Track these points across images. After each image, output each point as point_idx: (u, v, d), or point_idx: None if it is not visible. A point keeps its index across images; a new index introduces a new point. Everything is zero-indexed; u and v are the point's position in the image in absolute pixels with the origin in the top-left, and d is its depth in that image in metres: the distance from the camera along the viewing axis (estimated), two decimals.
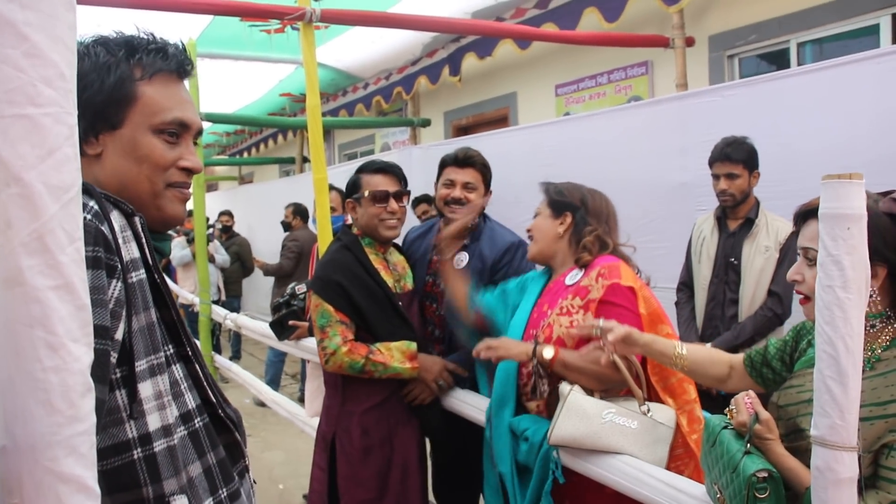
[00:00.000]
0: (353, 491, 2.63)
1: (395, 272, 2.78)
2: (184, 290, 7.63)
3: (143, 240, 1.12)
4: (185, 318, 7.95)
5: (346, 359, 2.55)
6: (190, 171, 1.26)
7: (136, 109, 1.18)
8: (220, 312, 5.58)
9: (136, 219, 1.12)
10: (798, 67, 4.23)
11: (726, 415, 1.58)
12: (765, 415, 1.49)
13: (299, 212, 7.40)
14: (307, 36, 3.40)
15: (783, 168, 3.47)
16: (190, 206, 7.21)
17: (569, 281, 2.23)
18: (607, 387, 2.07)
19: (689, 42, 5.09)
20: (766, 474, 1.42)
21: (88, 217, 1.01)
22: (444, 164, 2.95)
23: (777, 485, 1.42)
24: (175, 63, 1.23)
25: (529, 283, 2.47)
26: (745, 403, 1.52)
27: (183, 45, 1.27)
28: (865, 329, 1.49)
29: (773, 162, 3.43)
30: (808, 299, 1.61)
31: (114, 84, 1.16)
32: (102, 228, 1.02)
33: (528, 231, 2.41)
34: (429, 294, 2.91)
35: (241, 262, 8.90)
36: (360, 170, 2.80)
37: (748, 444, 1.48)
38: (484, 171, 2.89)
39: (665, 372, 2.14)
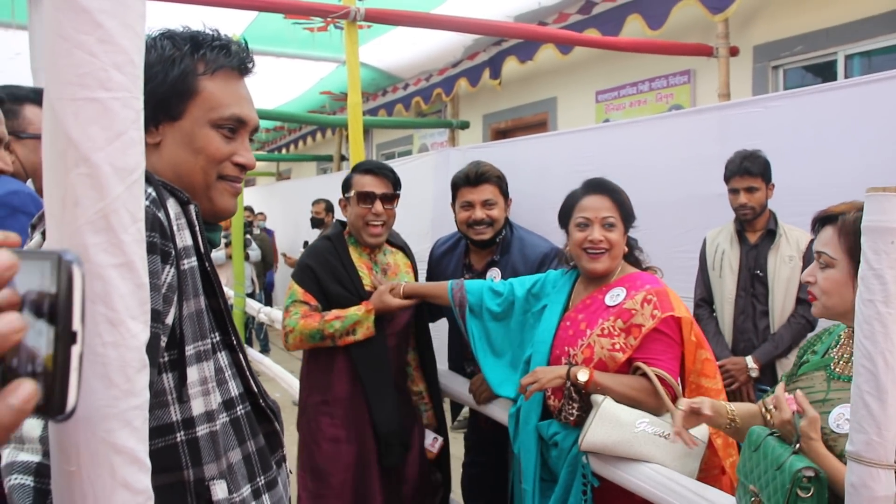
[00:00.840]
0: (305, 482, 2.65)
1: (378, 274, 2.72)
2: None
3: (197, 228, 1.15)
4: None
5: (305, 330, 2.53)
6: (243, 167, 1.29)
7: (196, 103, 1.22)
8: (254, 306, 5.66)
9: (191, 207, 1.15)
10: (845, 80, 4.16)
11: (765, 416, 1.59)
12: (812, 413, 1.48)
13: (331, 208, 7.44)
14: (351, 34, 3.44)
15: (827, 182, 3.42)
16: None
17: (609, 301, 2.17)
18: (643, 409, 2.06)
19: (734, 52, 5.04)
20: (812, 473, 1.41)
21: (146, 203, 1.04)
22: (457, 185, 2.88)
23: (822, 486, 1.42)
24: (237, 60, 1.26)
25: (550, 288, 2.42)
26: (787, 399, 1.51)
27: (246, 43, 1.31)
28: None
29: (816, 175, 3.38)
30: (815, 298, 1.69)
31: (177, 77, 1.20)
32: (159, 215, 1.06)
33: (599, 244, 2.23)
34: None
35: (263, 257, 9.02)
36: (354, 169, 2.76)
37: (797, 445, 1.47)
38: (500, 182, 2.85)
39: (703, 396, 2.14)
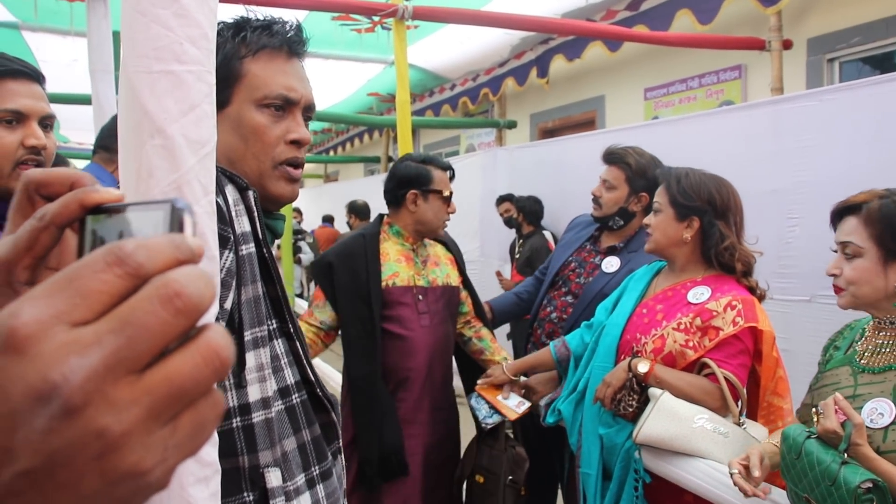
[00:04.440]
0: None
1: (418, 265, 2.68)
2: None
3: (255, 214, 1.15)
4: None
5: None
6: (299, 144, 1.27)
7: (241, 86, 1.22)
8: (302, 306, 5.72)
9: (250, 193, 1.16)
10: None
11: (805, 423, 1.55)
12: (858, 419, 1.45)
13: (353, 209, 7.48)
14: (399, 32, 3.46)
15: (885, 177, 3.33)
16: None
17: (692, 298, 2.10)
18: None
19: (787, 45, 4.94)
20: (870, 484, 1.38)
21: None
22: None
23: (883, 494, 1.38)
24: (280, 39, 1.25)
25: (631, 282, 2.37)
26: (835, 410, 1.48)
27: (297, 23, 1.29)
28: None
29: (877, 171, 3.30)
30: (841, 290, 1.69)
31: (221, 63, 1.17)
32: (218, 200, 1.04)
33: (647, 227, 2.26)
34: (564, 277, 2.87)
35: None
36: (428, 162, 2.70)
37: (845, 454, 1.43)
38: (627, 170, 2.81)
39: (773, 415, 2.10)
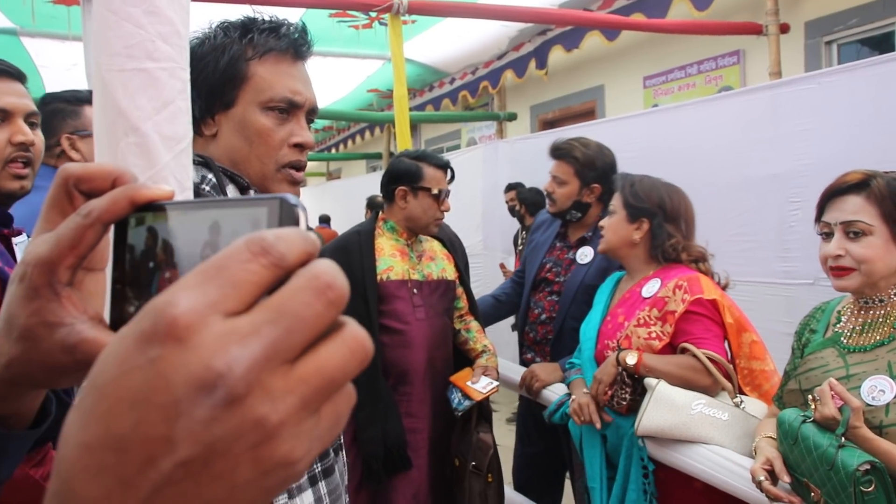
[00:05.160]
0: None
1: (413, 260, 2.69)
2: None
3: None
4: None
5: None
6: (302, 147, 1.27)
7: (247, 88, 1.21)
8: None
9: (251, 193, 1.17)
10: None
11: (801, 408, 1.55)
12: (855, 403, 1.45)
13: (372, 206, 7.48)
14: (395, 27, 3.46)
15: (886, 158, 3.32)
16: None
17: (646, 293, 2.21)
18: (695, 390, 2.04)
19: (784, 29, 4.92)
20: (868, 466, 1.38)
21: (207, 189, 1.06)
22: None
23: (882, 474, 1.38)
24: (287, 42, 1.25)
25: (597, 295, 2.46)
26: (832, 395, 1.47)
27: (303, 25, 1.29)
28: (890, 297, 1.63)
29: (876, 152, 3.28)
30: (848, 270, 1.65)
31: (227, 63, 1.20)
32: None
33: (600, 228, 2.37)
34: (543, 279, 2.89)
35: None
36: (421, 159, 2.70)
37: (842, 438, 1.43)
38: (574, 163, 2.82)
39: (756, 380, 2.12)
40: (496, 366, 2.77)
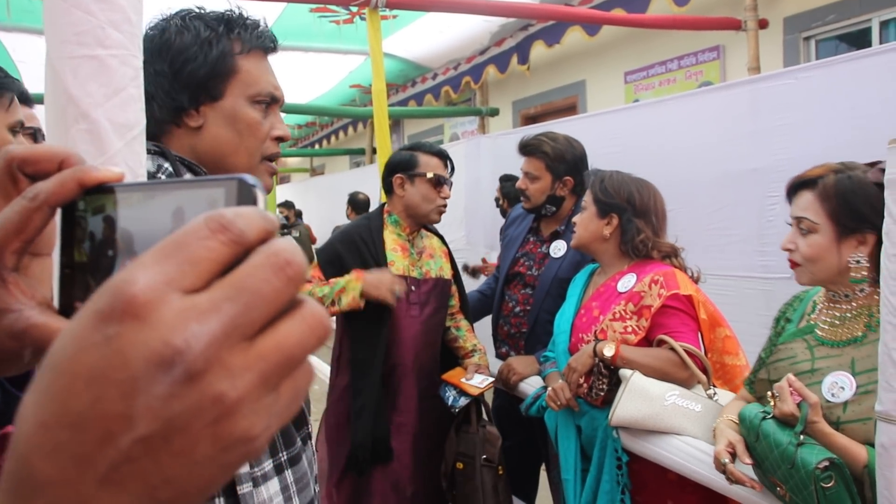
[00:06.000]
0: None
1: (413, 256, 2.72)
2: None
3: None
4: None
5: None
6: (281, 140, 1.32)
7: (236, 82, 1.25)
8: None
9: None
10: (880, 46, 4.06)
11: (762, 403, 1.56)
12: (813, 399, 1.46)
13: (353, 203, 7.46)
14: (373, 21, 3.46)
15: (863, 152, 3.34)
16: None
17: (621, 287, 2.22)
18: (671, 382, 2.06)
19: (763, 24, 4.95)
20: (827, 463, 1.39)
21: (163, 178, 1.07)
22: None
23: (841, 470, 1.39)
24: (268, 40, 1.31)
25: (570, 288, 2.48)
26: (790, 391, 1.48)
27: (266, 23, 1.35)
28: (855, 293, 1.63)
29: (853, 146, 3.30)
30: (797, 265, 1.70)
31: (217, 57, 1.22)
32: None
33: (573, 224, 2.39)
34: (517, 273, 2.90)
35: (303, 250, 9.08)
36: (417, 148, 2.76)
37: (801, 436, 1.44)
38: (545, 158, 2.83)
39: (729, 374, 2.14)
40: (487, 364, 2.81)
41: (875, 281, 1.60)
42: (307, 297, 0.34)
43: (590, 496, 2.12)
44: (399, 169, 2.70)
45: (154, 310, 0.30)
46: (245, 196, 0.36)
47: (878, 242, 1.55)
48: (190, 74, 1.20)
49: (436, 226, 2.96)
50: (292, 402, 0.33)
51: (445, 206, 2.71)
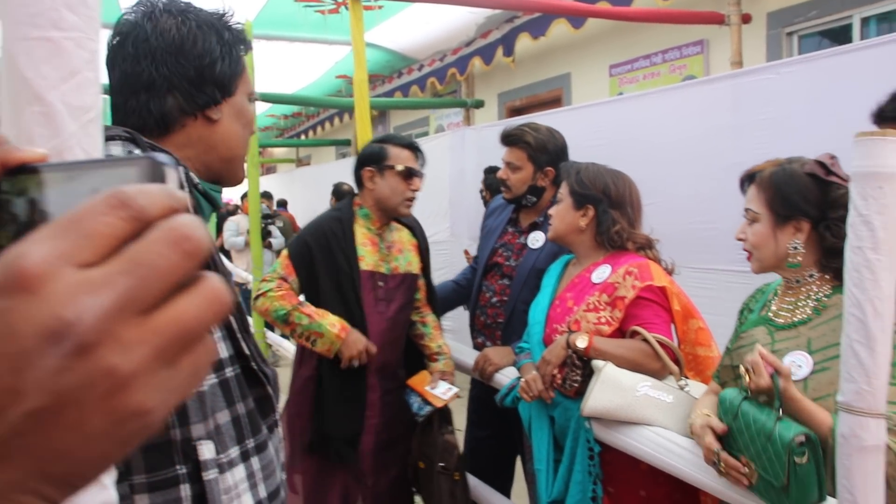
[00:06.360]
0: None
1: (383, 251, 2.70)
2: (238, 269, 7.80)
3: (186, 190, 1.19)
4: (238, 295, 8.01)
5: (276, 303, 2.48)
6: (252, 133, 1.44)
7: (242, 80, 1.35)
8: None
9: (180, 169, 1.18)
10: (860, 42, 4.09)
11: (739, 378, 1.58)
12: (784, 368, 1.49)
13: (337, 194, 7.46)
14: (355, 10, 3.44)
15: (844, 146, 3.35)
16: (244, 188, 7.37)
17: (595, 279, 2.22)
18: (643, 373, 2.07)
19: (746, 19, 4.97)
20: (803, 438, 1.41)
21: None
22: None
23: (815, 447, 1.42)
24: (250, 44, 1.44)
25: (545, 279, 2.48)
26: (764, 365, 1.50)
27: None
28: (805, 279, 1.72)
29: (833, 141, 3.31)
30: (750, 254, 1.80)
31: (236, 57, 1.33)
32: None
33: (550, 217, 2.39)
34: (495, 263, 2.89)
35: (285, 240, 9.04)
36: (387, 140, 2.72)
37: (779, 410, 1.47)
38: (527, 149, 2.83)
39: (701, 365, 2.16)
40: (453, 371, 2.80)
41: (822, 266, 1.69)
42: (209, 272, 0.34)
43: (562, 486, 2.12)
44: (369, 162, 2.67)
45: (46, 283, 0.30)
46: (155, 174, 0.36)
47: (813, 230, 1.68)
48: (219, 72, 1.29)
49: (420, 217, 2.95)
50: (193, 377, 0.33)
51: (415, 198, 2.68)
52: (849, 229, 1.29)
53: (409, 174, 2.64)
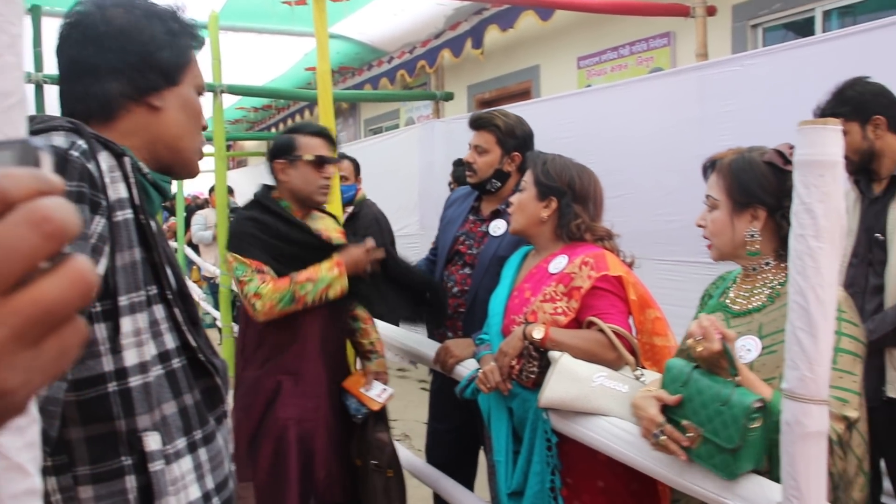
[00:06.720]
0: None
1: None
2: (206, 263, 7.74)
3: (132, 181, 1.17)
4: (206, 289, 7.89)
5: (276, 294, 2.41)
6: (204, 129, 1.45)
7: (189, 72, 1.36)
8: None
9: (126, 160, 1.18)
10: (821, 35, 4.15)
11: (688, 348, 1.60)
12: (732, 334, 1.52)
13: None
14: (318, 2, 3.41)
15: None
16: (212, 181, 7.30)
17: (552, 269, 2.23)
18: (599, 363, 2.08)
19: (711, 11, 5.01)
20: (760, 404, 1.44)
21: (76, 154, 1.07)
22: None
23: (769, 415, 1.44)
24: (202, 40, 1.43)
25: (504, 270, 2.48)
26: (714, 331, 1.50)
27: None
28: (761, 267, 1.76)
29: (793, 132, 3.36)
30: (710, 241, 1.83)
31: (183, 48, 1.35)
32: (89, 166, 1.08)
33: (510, 205, 2.38)
34: (457, 251, 2.89)
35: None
36: (295, 130, 2.70)
37: (737, 377, 1.49)
38: (497, 132, 2.84)
39: (658, 355, 2.18)
40: (386, 370, 2.80)
41: (777, 255, 1.73)
42: (77, 254, 0.34)
43: (521, 478, 2.13)
44: (279, 154, 2.63)
45: None
46: (27, 157, 0.36)
47: (769, 218, 1.71)
48: (163, 60, 1.30)
49: (389, 211, 2.93)
50: (60, 358, 0.33)
51: (329, 185, 2.64)
52: (792, 217, 1.31)
53: (321, 162, 2.60)
